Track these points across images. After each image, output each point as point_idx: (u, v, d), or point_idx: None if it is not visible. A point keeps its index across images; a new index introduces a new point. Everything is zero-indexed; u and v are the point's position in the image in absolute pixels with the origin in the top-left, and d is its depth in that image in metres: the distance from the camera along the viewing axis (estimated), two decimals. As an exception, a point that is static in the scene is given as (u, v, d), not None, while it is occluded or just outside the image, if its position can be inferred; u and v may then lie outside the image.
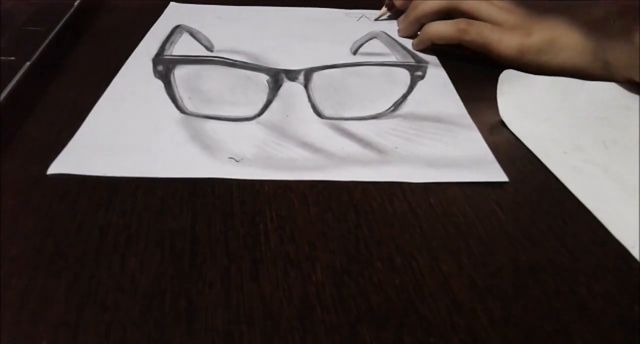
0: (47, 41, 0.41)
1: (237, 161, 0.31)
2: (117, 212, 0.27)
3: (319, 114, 0.35)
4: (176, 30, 0.39)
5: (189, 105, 0.35)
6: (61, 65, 0.42)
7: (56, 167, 0.30)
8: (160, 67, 0.33)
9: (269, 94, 0.34)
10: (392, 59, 0.41)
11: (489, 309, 0.22)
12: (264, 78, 0.34)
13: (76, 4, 0.50)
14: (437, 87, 0.42)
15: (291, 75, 0.34)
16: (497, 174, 0.31)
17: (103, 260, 0.24)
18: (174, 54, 0.35)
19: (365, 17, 0.57)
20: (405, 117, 0.37)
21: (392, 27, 0.53)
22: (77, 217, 0.26)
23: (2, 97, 0.33)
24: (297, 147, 0.33)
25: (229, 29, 0.51)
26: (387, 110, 0.37)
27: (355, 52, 0.47)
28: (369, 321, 0.21)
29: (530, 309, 0.22)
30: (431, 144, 0.34)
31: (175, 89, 0.34)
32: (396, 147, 0.33)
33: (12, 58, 0.37)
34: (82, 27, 0.49)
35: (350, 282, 0.23)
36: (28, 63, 0.37)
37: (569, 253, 0.25)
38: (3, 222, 0.26)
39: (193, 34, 0.44)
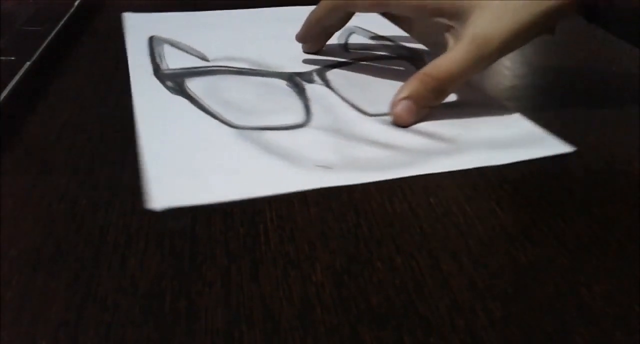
0: (47, 41, 0.41)
1: (328, 168, 0.30)
2: (117, 212, 0.27)
3: (364, 112, 0.35)
4: (154, 42, 0.38)
5: (232, 118, 0.34)
6: (61, 65, 0.42)
7: (162, 202, 0.27)
8: (169, 83, 0.32)
9: (300, 98, 0.34)
10: (385, 52, 0.41)
11: (489, 309, 0.22)
12: (280, 83, 0.34)
13: (76, 4, 0.50)
14: None
15: (305, 77, 0.34)
16: (561, 147, 0.31)
17: (103, 260, 0.24)
18: (170, 66, 0.35)
19: None
20: (441, 106, 0.37)
21: (364, 21, 0.52)
22: (77, 217, 0.26)
23: (2, 97, 0.33)
24: (371, 146, 0.32)
25: (209, 36, 0.47)
26: None
27: (346, 49, 0.46)
28: (369, 321, 0.21)
29: (530, 309, 0.22)
30: (485, 127, 0.34)
31: (206, 104, 0.33)
32: (460, 133, 0.33)
33: (12, 58, 0.37)
34: (82, 27, 0.49)
35: (350, 282, 0.23)
36: (28, 63, 0.37)
37: (569, 253, 0.25)
38: (3, 222, 0.26)
39: (173, 44, 0.42)
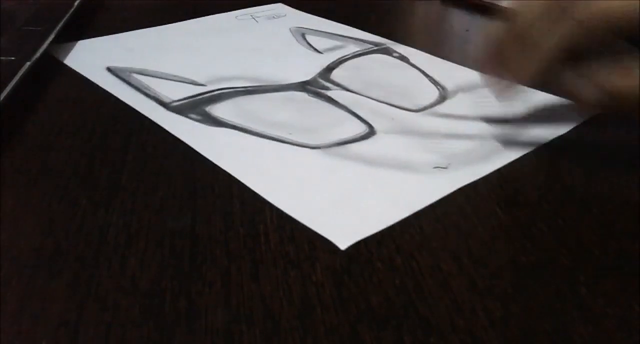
0: (47, 41, 0.41)
1: (445, 168, 0.30)
2: (117, 212, 0.27)
3: (406, 109, 0.36)
4: (123, 75, 0.37)
5: (301, 139, 0.33)
6: (61, 65, 0.42)
7: (346, 242, 0.25)
8: (194, 116, 0.32)
9: (338, 107, 0.35)
10: (355, 47, 0.44)
11: (489, 309, 0.22)
12: (300, 95, 0.34)
13: (76, 4, 0.50)
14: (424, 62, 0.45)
15: (316, 84, 0.34)
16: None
17: (103, 260, 0.24)
18: (174, 98, 0.34)
19: (252, 17, 0.54)
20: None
21: (300, 20, 0.53)
22: (77, 217, 0.26)
23: (2, 97, 0.33)
24: (456, 140, 0.33)
25: (169, 58, 0.43)
26: (443, 91, 0.39)
27: (317, 50, 0.46)
28: (369, 321, 0.21)
29: (530, 309, 0.22)
30: (518, 104, 0.35)
31: (259, 130, 0.32)
32: (511, 112, 0.35)
33: (12, 58, 0.37)
34: (82, 27, 0.49)
35: (350, 282, 0.23)
36: (28, 63, 0.37)
37: (569, 253, 0.25)
38: (3, 222, 0.26)
39: (144, 73, 0.39)
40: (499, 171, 0.31)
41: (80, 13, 0.50)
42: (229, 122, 0.33)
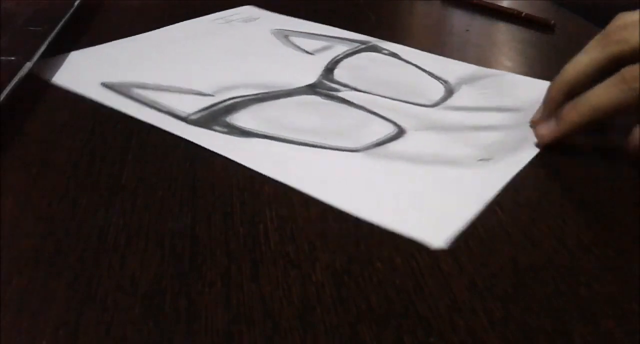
0: (47, 41, 0.41)
1: (488, 160, 0.31)
2: (117, 212, 0.27)
3: (420, 105, 0.37)
4: (123, 90, 0.36)
5: (340, 143, 0.33)
6: (61, 65, 0.42)
7: (440, 240, 0.25)
8: (219, 128, 0.32)
9: (357, 108, 0.36)
10: (342, 47, 0.46)
11: (489, 309, 0.22)
12: (314, 99, 0.35)
13: (76, 4, 0.50)
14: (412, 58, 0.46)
15: (323, 86, 0.35)
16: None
17: (103, 260, 0.24)
18: (188, 111, 0.34)
19: (226, 21, 0.53)
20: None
21: (277, 21, 0.53)
22: (77, 217, 0.26)
23: (2, 97, 0.33)
24: (483, 131, 0.34)
25: (167, 68, 0.42)
26: (447, 84, 0.41)
27: (306, 52, 0.46)
28: (369, 321, 0.21)
29: (530, 309, 0.22)
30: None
31: (293, 138, 0.32)
32: (524, 100, 0.38)
33: (12, 58, 0.37)
34: (82, 27, 0.49)
35: (350, 282, 0.23)
36: (28, 63, 0.37)
37: (569, 253, 0.25)
38: (3, 222, 0.26)
39: (145, 87, 0.38)
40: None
41: (80, 13, 0.50)
42: (257, 132, 0.33)
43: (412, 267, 0.24)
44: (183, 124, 0.34)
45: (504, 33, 0.55)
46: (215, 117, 0.34)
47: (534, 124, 0.34)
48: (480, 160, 0.31)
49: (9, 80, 0.34)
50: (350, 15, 0.57)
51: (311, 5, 0.58)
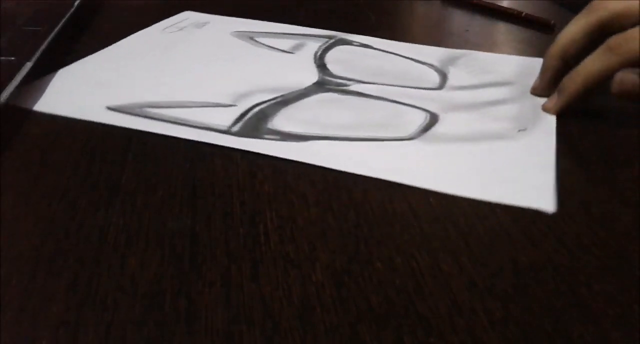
0: (47, 41, 0.41)
1: (525, 129, 0.34)
2: (117, 212, 0.27)
3: (431, 89, 0.40)
4: (138, 112, 0.34)
5: (391, 134, 0.34)
6: (61, 65, 0.42)
7: (551, 202, 0.28)
8: (270, 136, 0.32)
9: (379, 99, 0.37)
10: (313, 42, 0.47)
11: (489, 309, 0.22)
12: (333, 95, 0.36)
13: (76, 4, 0.50)
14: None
15: (330, 82, 0.38)
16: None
17: (103, 260, 0.24)
18: (224, 123, 0.33)
19: (179, 28, 0.51)
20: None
21: (230, 24, 0.53)
22: (77, 217, 0.26)
23: (2, 97, 0.33)
24: (502, 105, 0.37)
25: (160, 83, 0.40)
26: (434, 67, 0.44)
27: (286, 51, 0.46)
28: (369, 321, 0.21)
29: (530, 309, 0.22)
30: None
31: (346, 135, 0.33)
32: (508, 74, 0.42)
33: (12, 58, 0.37)
34: (82, 27, 0.49)
35: (350, 282, 0.23)
36: (28, 63, 0.37)
37: (569, 253, 0.25)
38: (3, 222, 0.26)
39: (159, 105, 0.36)
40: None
41: (80, 13, 0.50)
42: (310, 134, 0.33)
43: (412, 267, 0.24)
44: (231, 136, 0.33)
45: (504, 33, 0.55)
46: (255, 125, 0.33)
47: (534, 92, 0.40)
48: (520, 131, 0.34)
49: (9, 80, 0.34)
50: (350, 15, 0.57)
51: (311, 6, 0.58)
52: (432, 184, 0.29)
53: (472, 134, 0.34)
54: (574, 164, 0.32)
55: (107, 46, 0.45)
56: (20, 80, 0.35)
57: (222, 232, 0.26)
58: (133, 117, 0.34)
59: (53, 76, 0.40)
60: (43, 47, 0.40)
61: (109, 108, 0.35)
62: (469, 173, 0.30)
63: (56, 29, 0.44)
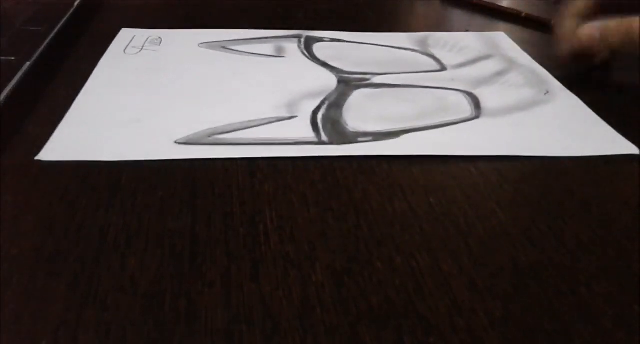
0: (47, 41, 0.41)
1: (547, 92, 0.38)
2: (117, 212, 0.27)
3: (444, 70, 0.42)
4: (210, 141, 0.32)
5: (458, 116, 0.36)
6: (61, 65, 0.42)
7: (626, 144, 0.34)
8: (362, 138, 0.33)
9: (414, 88, 0.39)
10: (288, 43, 0.47)
11: (489, 309, 0.22)
12: (366, 92, 0.38)
13: (76, 4, 0.50)
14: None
15: (354, 79, 0.39)
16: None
17: (103, 260, 0.24)
18: (310, 135, 0.33)
19: (136, 47, 0.46)
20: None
21: (188, 36, 0.48)
22: (77, 217, 0.26)
23: (2, 97, 0.33)
24: (512, 73, 0.41)
25: (189, 108, 0.36)
26: (420, 50, 0.46)
27: (281, 55, 0.46)
28: (369, 321, 0.21)
29: (530, 309, 0.22)
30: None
31: (428, 122, 0.35)
32: (484, 48, 0.46)
33: (12, 58, 0.37)
34: (82, 27, 0.49)
35: (350, 282, 0.23)
36: (28, 63, 0.37)
37: (569, 253, 0.25)
38: (3, 222, 0.26)
39: (226, 130, 0.34)
40: (499, 171, 0.31)
41: (80, 13, 0.50)
42: (396, 130, 0.34)
43: (412, 267, 0.24)
44: (330, 146, 0.32)
45: (504, 33, 0.55)
46: (340, 132, 0.33)
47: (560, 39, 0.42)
48: (546, 93, 0.37)
49: (9, 81, 0.34)
50: (350, 15, 0.57)
51: (311, 5, 0.58)
52: (525, 151, 0.32)
53: (514, 104, 0.37)
54: (574, 163, 0.32)
55: (107, 46, 0.45)
56: (20, 81, 0.35)
57: (222, 232, 0.26)
58: (207, 147, 0.32)
59: (65, 127, 0.34)
60: (43, 47, 0.40)
61: (178, 142, 0.32)
62: (543, 137, 0.34)
63: (56, 29, 0.44)
